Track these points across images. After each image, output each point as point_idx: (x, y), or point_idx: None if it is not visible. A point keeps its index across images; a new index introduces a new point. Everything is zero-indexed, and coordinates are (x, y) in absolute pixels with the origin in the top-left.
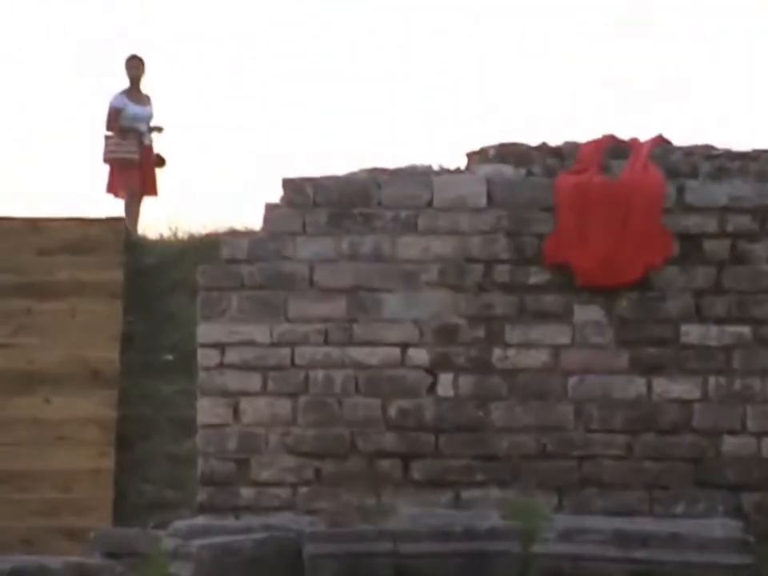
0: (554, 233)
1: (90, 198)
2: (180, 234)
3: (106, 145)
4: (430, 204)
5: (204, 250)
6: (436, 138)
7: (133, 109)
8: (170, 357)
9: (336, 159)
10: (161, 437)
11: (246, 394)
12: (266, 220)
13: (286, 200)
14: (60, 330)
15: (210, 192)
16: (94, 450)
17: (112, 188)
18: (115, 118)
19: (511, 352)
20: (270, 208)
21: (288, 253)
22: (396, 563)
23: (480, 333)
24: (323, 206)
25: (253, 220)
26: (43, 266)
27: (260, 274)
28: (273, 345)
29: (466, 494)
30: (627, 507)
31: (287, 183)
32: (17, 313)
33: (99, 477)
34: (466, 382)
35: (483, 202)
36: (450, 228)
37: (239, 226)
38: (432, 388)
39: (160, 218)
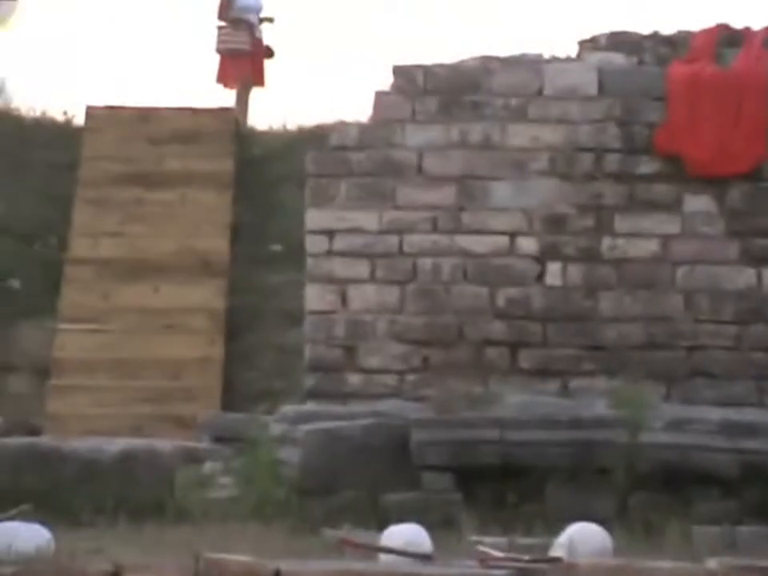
0: (665, 122)
1: (201, 88)
2: (288, 126)
3: (218, 35)
4: (540, 92)
5: (312, 141)
6: (548, 26)
7: (244, 0)
8: (277, 247)
9: (447, 47)
10: (268, 327)
11: (354, 281)
12: (375, 107)
13: (396, 87)
14: (169, 220)
15: (318, 84)
16: (203, 339)
17: (223, 78)
18: (226, 8)
19: (620, 241)
20: (379, 95)
21: (397, 140)
22: (502, 451)
23: (589, 222)
24: (433, 94)
25: (361, 113)
26: (154, 155)
27: (369, 161)
28: (381, 232)
29: (573, 383)
30: (735, 398)
31: (398, 71)
32: (127, 202)
33: (207, 365)
34: (575, 271)
35: (594, 90)
36: (560, 116)
37: (348, 118)
38: (540, 277)
39: (269, 110)
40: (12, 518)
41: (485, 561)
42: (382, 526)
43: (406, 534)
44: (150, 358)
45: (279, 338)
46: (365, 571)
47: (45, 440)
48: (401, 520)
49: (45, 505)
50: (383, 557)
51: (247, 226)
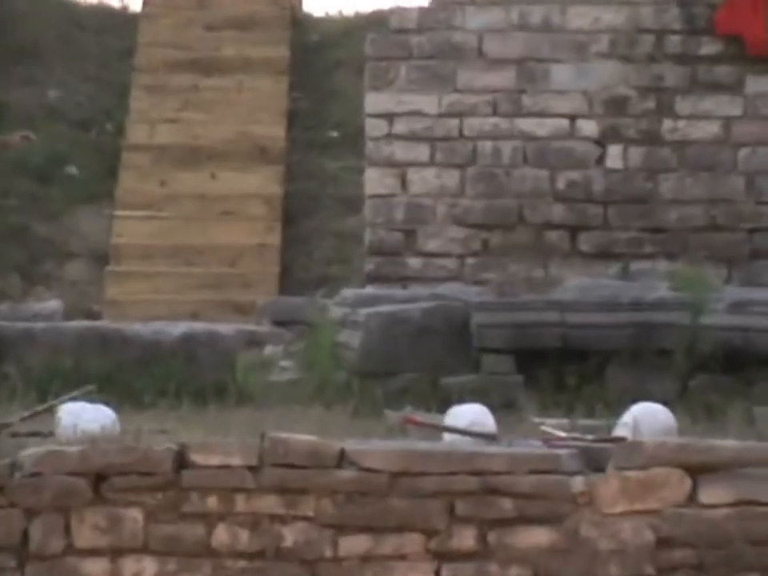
0: (727, 2)
1: None
2: (345, 12)
3: None
4: None
5: (369, 27)
6: None
7: None
8: (334, 133)
9: None
10: (325, 213)
11: (414, 164)
12: None
13: None
14: (226, 106)
15: None
16: (260, 226)
17: None
18: None
19: (681, 123)
20: None
21: (457, 22)
22: (563, 333)
23: (650, 104)
24: None
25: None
26: (210, 41)
27: (429, 44)
28: (441, 115)
29: (634, 266)
30: None
31: None
32: (183, 89)
33: (265, 251)
34: (636, 153)
35: None
36: None
37: (405, 3)
38: (601, 159)
39: None
40: (76, 399)
41: (548, 440)
42: (442, 408)
43: (470, 414)
44: (207, 244)
45: (336, 224)
46: (430, 450)
47: (107, 323)
48: (461, 401)
49: (108, 387)
50: (447, 436)
51: (303, 112)
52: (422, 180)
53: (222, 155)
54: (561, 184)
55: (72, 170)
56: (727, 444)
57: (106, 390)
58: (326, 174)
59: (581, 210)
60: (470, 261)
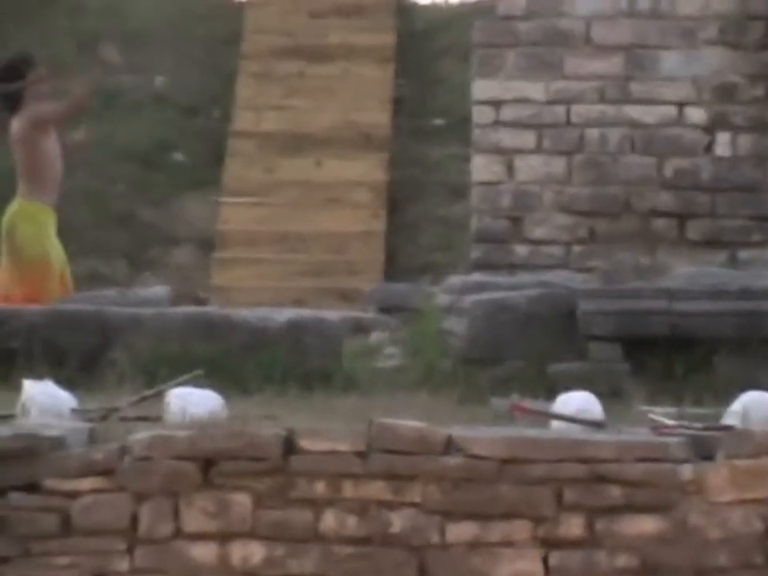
0: None
1: None
2: (450, 0)
3: None
4: None
5: (474, 15)
6: None
7: None
8: (439, 121)
9: None
10: (431, 200)
11: (521, 151)
12: None
13: None
14: (331, 94)
15: None
16: (366, 213)
17: None
18: None
19: None
20: None
21: (565, 9)
22: (670, 321)
23: (759, 91)
24: None
25: None
26: (315, 28)
27: (536, 30)
28: (548, 102)
29: (742, 254)
30: None
31: None
32: (289, 76)
33: (370, 239)
34: (744, 141)
35: None
36: None
37: None
38: (709, 147)
39: None
40: (184, 384)
41: (657, 428)
42: (548, 395)
43: (577, 402)
44: (312, 231)
45: (441, 211)
46: (537, 437)
47: (214, 309)
48: (567, 389)
49: (214, 372)
50: (555, 423)
51: (408, 99)
52: (529, 167)
53: (327, 142)
54: (668, 172)
55: (179, 156)
56: None
57: (213, 375)
58: (430, 161)
59: (688, 198)
60: (577, 248)
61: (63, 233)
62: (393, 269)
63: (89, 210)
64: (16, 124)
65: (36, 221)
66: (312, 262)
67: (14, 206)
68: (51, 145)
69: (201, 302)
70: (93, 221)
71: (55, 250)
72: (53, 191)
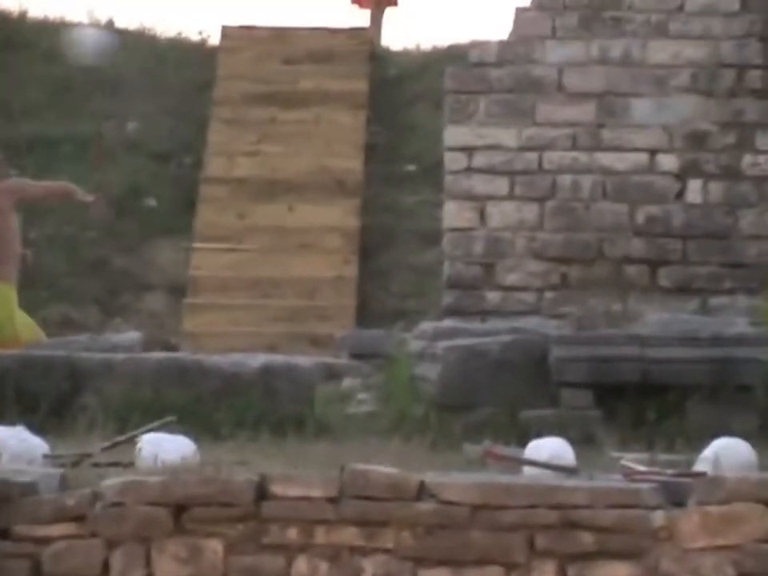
0: None
1: (336, 8)
2: (422, 46)
3: None
4: (681, 8)
5: (446, 61)
6: None
7: None
8: (411, 167)
9: None
10: (403, 246)
11: (493, 198)
12: (515, 24)
13: (536, 3)
14: (304, 139)
15: (451, 3)
16: (338, 258)
17: None
18: None
19: (762, 158)
20: (519, 12)
21: (537, 56)
22: (642, 368)
23: (730, 139)
24: (573, 10)
25: (491, 31)
26: (288, 74)
27: (509, 77)
28: (520, 149)
29: (714, 301)
30: None
31: None
32: (262, 122)
33: (342, 284)
34: (716, 188)
35: (736, 6)
36: (702, 33)
37: (481, 37)
38: (680, 194)
39: (402, 30)
40: (156, 430)
41: (629, 475)
42: (521, 441)
43: (550, 448)
44: (284, 277)
45: (413, 257)
46: (510, 484)
47: (186, 354)
48: (540, 435)
49: (186, 418)
50: (527, 469)
51: (381, 145)
52: (501, 213)
53: (299, 188)
54: (640, 218)
55: (151, 202)
56: None
57: (185, 421)
58: (403, 207)
59: (660, 245)
60: (549, 295)
61: (35, 279)
62: (365, 315)
63: (61, 257)
64: None
65: (4, 301)
66: (284, 307)
67: None
68: (14, 221)
69: (172, 347)
70: (65, 267)
71: (21, 321)
72: (15, 267)
